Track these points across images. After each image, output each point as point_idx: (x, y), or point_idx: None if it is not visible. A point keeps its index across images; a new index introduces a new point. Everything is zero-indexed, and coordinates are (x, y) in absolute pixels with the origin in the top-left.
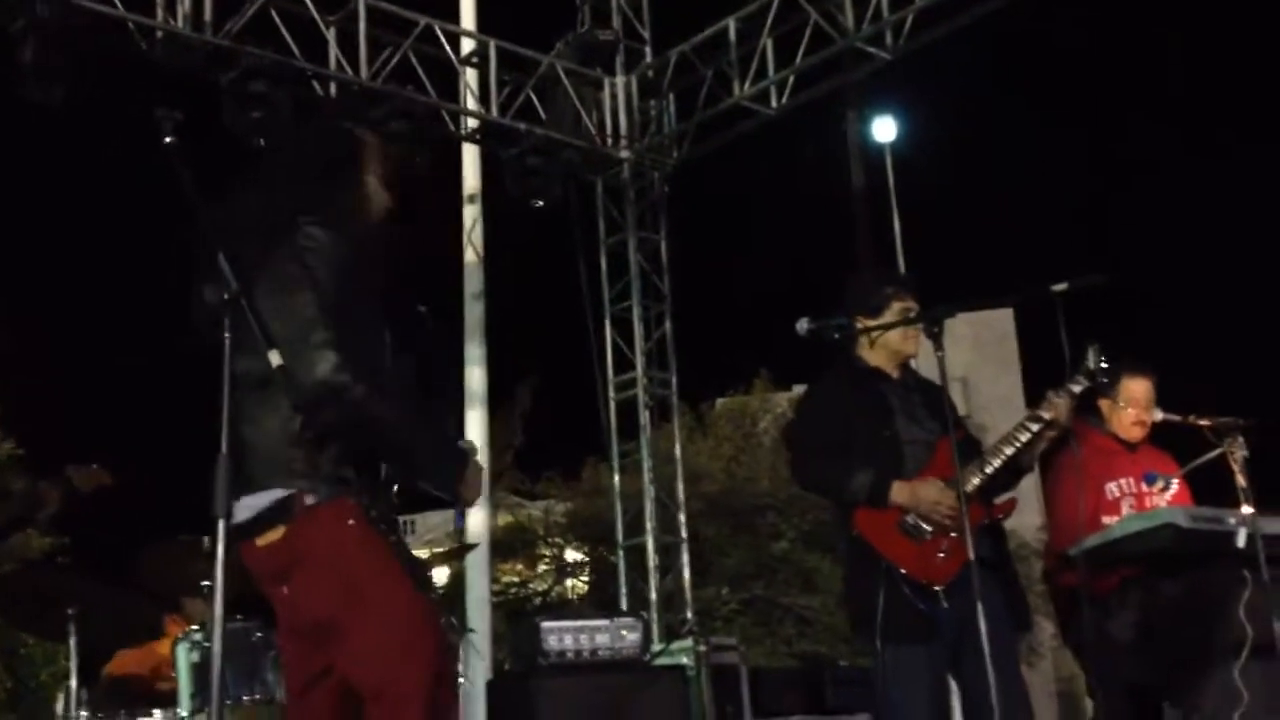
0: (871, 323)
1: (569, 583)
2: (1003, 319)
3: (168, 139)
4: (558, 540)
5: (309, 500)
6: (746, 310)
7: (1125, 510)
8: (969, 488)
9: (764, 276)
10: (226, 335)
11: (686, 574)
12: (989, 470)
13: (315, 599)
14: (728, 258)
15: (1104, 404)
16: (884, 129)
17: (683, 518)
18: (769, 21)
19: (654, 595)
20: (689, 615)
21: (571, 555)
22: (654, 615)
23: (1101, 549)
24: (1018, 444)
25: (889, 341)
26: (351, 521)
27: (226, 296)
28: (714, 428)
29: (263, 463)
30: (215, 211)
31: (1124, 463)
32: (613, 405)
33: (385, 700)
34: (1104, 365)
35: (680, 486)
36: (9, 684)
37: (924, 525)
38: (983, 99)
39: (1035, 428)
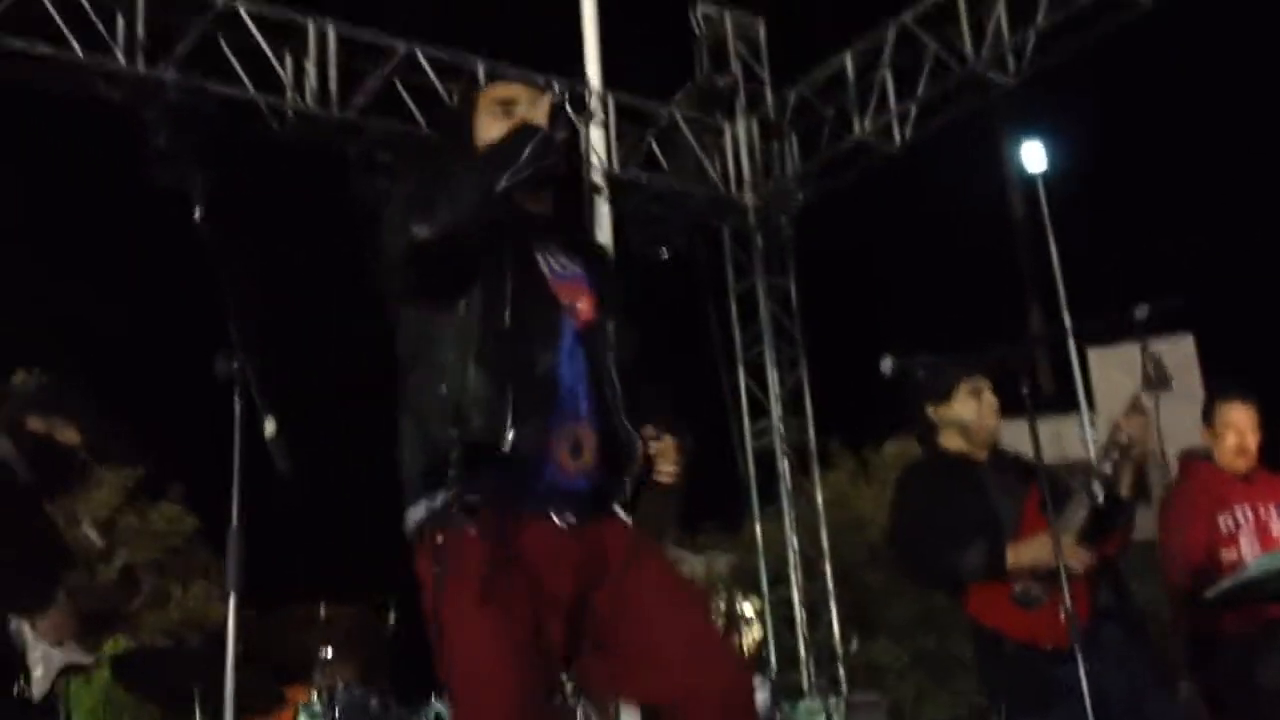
0: (957, 364)
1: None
2: (1183, 347)
3: (197, 216)
4: (722, 594)
5: (419, 522)
6: (907, 350)
7: (1244, 542)
8: (1068, 531)
9: (920, 314)
10: (238, 403)
11: (836, 626)
12: (1083, 511)
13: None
14: (879, 296)
15: (1205, 434)
16: (1034, 157)
17: (828, 568)
18: (887, 54)
19: (802, 650)
20: (840, 670)
21: (746, 607)
22: (803, 670)
23: (1237, 590)
24: (1105, 477)
25: (965, 421)
26: (436, 568)
27: (236, 365)
28: (879, 472)
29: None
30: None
31: (1237, 492)
32: (750, 454)
33: None
34: (1160, 372)
35: (824, 535)
36: None
37: (1033, 591)
38: (1138, 116)
39: (1116, 456)
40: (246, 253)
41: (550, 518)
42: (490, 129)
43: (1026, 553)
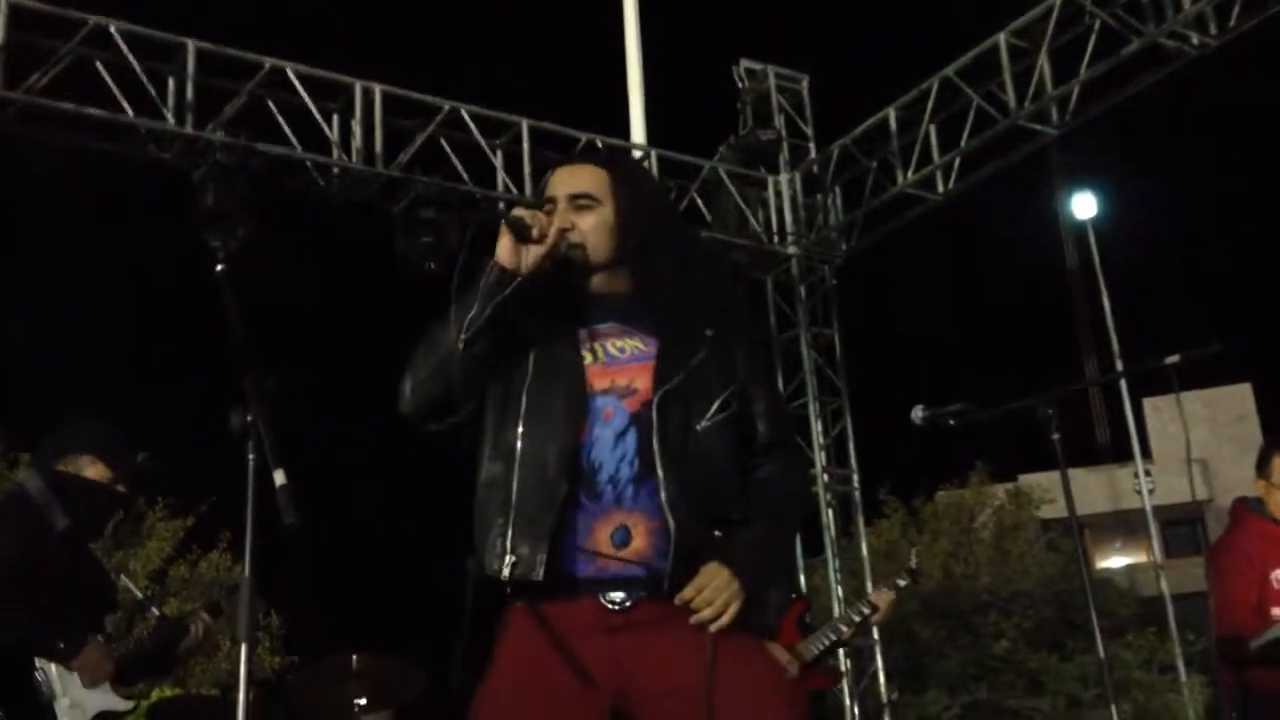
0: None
1: None
2: (1241, 396)
3: (219, 267)
4: None
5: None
6: (956, 401)
7: None
8: (809, 658)
9: (973, 363)
10: (251, 457)
11: (882, 678)
12: (824, 646)
13: None
14: (931, 346)
15: (1259, 485)
16: (1085, 205)
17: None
18: (930, 107)
19: (846, 700)
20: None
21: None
22: None
23: (1275, 645)
24: (852, 624)
25: None
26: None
27: (249, 419)
28: (930, 522)
29: None
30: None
31: None
32: None
33: None
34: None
35: (870, 585)
36: None
37: None
38: (1193, 161)
39: (866, 613)
40: (287, 307)
41: (594, 598)
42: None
43: None
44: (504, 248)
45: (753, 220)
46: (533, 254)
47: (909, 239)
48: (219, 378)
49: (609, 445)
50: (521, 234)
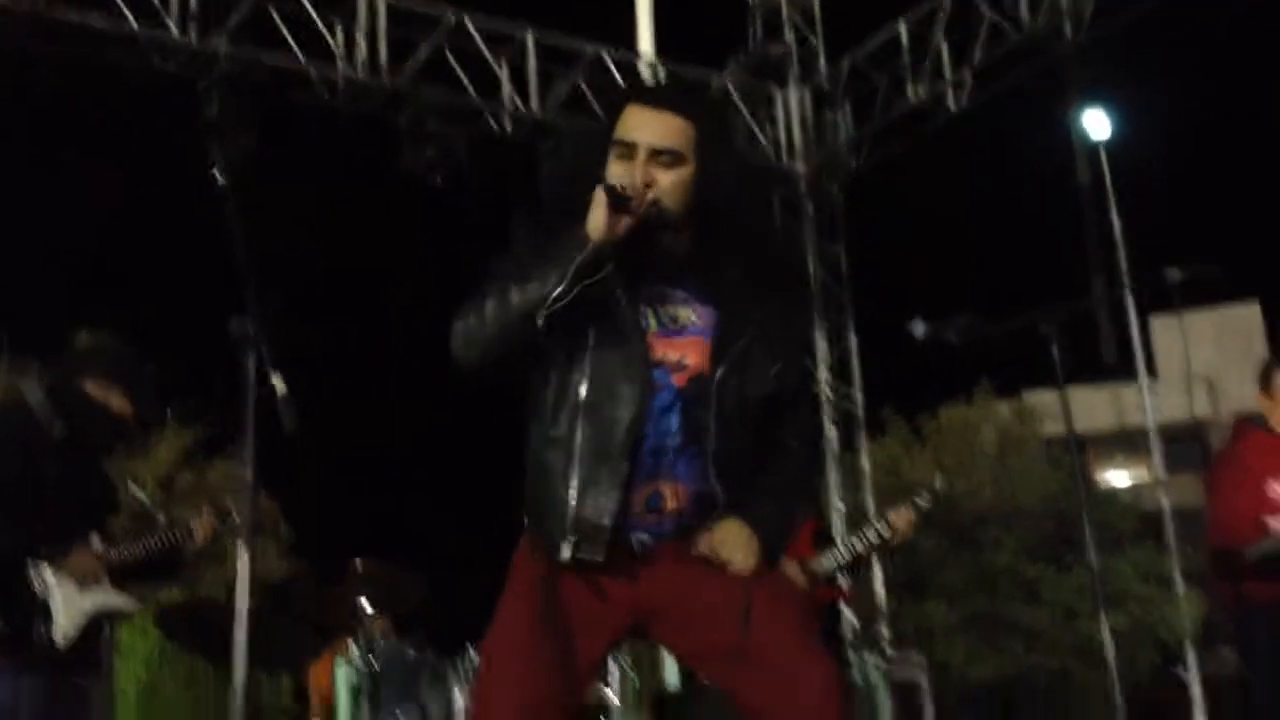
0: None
1: None
2: (1248, 314)
3: (221, 181)
4: None
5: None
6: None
7: None
8: (820, 573)
9: (982, 280)
10: (251, 365)
11: (878, 588)
12: (839, 562)
13: None
14: (938, 264)
15: (1261, 400)
16: (1098, 124)
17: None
18: (942, 21)
19: (845, 611)
20: (884, 629)
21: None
22: (847, 631)
23: (1273, 556)
24: (867, 542)
25: None
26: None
27: (250, 328)
28: (933, 438)
29: None
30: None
31: None
32: None
33: None
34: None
35: (870, 498)
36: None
37: None
38: (1208, 81)
39: (884, 533)
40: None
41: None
42: (610, 168)
43: None
44: (600, 220)
45: (760, 136)
46: (624, 224)
47: (918, 155)
48: (228, 288)
49: (655, 418)
50: (622, 206)
